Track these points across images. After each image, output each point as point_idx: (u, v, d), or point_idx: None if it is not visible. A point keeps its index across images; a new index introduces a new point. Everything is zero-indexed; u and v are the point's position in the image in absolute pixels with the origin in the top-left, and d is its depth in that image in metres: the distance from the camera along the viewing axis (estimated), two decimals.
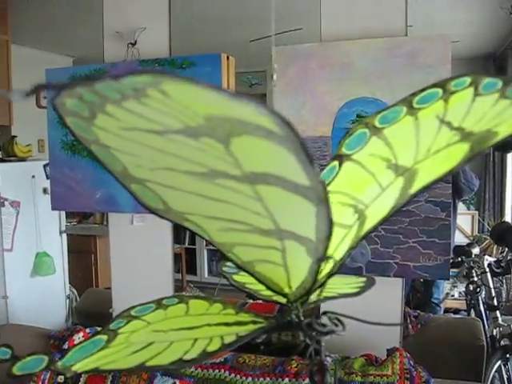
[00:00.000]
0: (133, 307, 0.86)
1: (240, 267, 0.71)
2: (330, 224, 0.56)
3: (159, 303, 0.86)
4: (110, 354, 0.74)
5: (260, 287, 0.82)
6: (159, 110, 0.49)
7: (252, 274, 0.71)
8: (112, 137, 0.55)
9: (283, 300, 0.74)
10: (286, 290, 0.72)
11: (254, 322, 0.75)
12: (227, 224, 0.64)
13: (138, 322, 0.82)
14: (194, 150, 0.53)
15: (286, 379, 1.86)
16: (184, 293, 3.02)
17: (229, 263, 1.09)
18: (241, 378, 1.91)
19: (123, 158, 0.58)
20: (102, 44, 2.54)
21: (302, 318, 0.72)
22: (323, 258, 0.62)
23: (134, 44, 2.41)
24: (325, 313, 0.71)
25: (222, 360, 1.98)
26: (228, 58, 2.24)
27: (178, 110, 0.49)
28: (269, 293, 0.77)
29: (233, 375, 1.92)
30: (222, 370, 1.94)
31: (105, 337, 0.78)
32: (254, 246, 0.67)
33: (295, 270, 0.69)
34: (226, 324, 0.77)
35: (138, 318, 0.83)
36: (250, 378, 1.90)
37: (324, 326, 0.70)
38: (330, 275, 0.73)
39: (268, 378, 1.87)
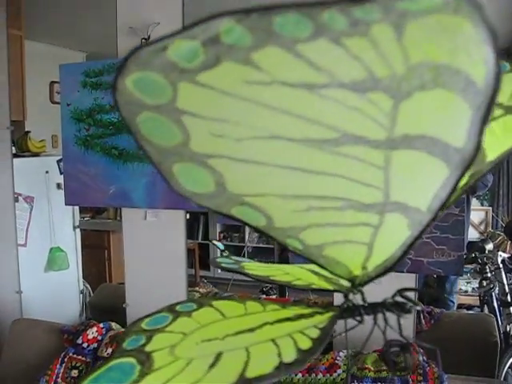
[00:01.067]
0: (140, 320, 0.78)
1: (298, 253, 0.66)
2: (452, 192, 0.54)
3: (173, 310, 0.78)
4: (176, 374, 0.65)
5: (290, 278, 0.80)
6: (354, 54, 0.45)
7: (313, 260, 0.67)
8: (209, 95, 0.49)
9: (328, 286, 0.72)
10: (357, 273, 0.69)
11: (320, 313, 0.71)
12: (313, 202, 0.60)
13: (166, 336, 0.73)
14: (342, 109, 0.49)
15: (300, 374, 1.86)
16: (197, 288, 3.02)
17: (222, 258, 1.05)
18: None
19: (199, 125, 0.52)
20: (115, 39, 2.55)
21: (368, 301, 0.70)
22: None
23: (147, 39, 2.42)
24: (399, 291, 0.69)
25: None
26: None
27: (383, 56, 0.45)
28: (300, 282, 0.75)
29: None
30: None
31: (132, 360, 0.69)
32: (339, 225, 0.63)
33: (382, 247, 0.66)
34: (289, 319, 0.71)
35: (160, 332, 0.74)
36: None
37: (404, 304, 0.68)
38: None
39: None
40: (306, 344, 0.62)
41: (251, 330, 0.69)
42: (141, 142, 0.53)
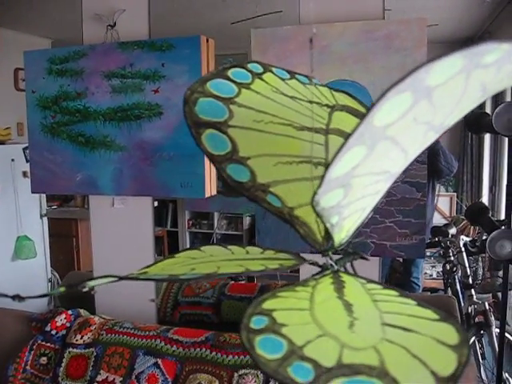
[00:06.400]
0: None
1: (328, 227, 0.71)
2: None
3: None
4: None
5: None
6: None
7: (332, 234, 0.73)
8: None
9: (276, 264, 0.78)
10: (343, 237, 0.75)
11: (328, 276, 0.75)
12: (376, 177, 0.65)
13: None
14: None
15: None
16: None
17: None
18: (222, 356, 1.94)
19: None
20: (80, 26, 2.53)
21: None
22: None
23: (113, 26, 2.41)
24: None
25: (204, 339, 2.01)
26: (208, 40, 2.25)
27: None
28: (256, 268, 0.80)
29: (214, 353, 1.96)
30: (204, 349, 1.98)
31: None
32: (370, 195, 0.69)
33: (369, 210, 0.73)
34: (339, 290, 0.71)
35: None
36: (230, 356, 1.93)
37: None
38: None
39: (248, 356, 1.90)
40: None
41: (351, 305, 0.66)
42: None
